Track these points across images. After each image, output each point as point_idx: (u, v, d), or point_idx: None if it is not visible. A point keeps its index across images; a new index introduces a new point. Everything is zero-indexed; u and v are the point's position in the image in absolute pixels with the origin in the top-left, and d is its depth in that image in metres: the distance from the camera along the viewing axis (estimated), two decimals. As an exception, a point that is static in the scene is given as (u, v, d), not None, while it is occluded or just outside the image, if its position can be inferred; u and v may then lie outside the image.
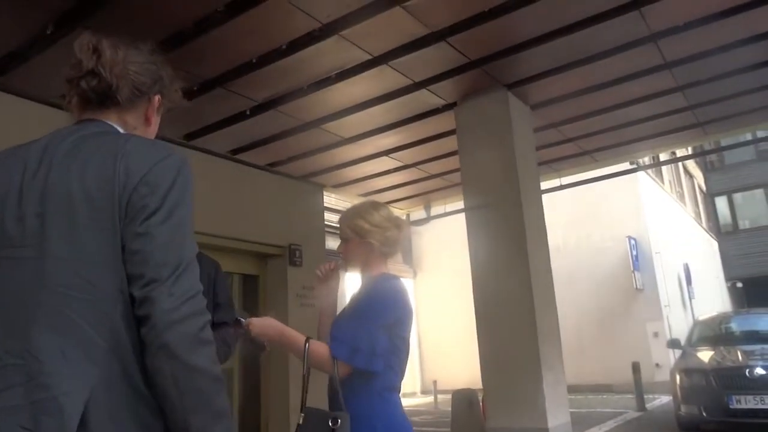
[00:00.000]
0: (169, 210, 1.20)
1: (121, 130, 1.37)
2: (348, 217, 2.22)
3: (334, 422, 1.85)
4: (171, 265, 1.16)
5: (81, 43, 1.35)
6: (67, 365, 1.12)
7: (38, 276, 1.17)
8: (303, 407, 1.95)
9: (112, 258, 1.18)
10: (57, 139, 1.31)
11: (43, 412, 1.08)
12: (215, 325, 2.60)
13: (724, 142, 12.97)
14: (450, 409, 6.87)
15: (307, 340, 1.95)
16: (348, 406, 1.90)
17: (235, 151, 6.22)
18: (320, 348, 1.95)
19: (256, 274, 6.81)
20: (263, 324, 2.03)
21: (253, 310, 6.75)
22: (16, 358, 1.13)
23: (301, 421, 1.93)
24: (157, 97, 1.45)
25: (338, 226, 2.26)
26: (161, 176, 1.22)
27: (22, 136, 1.42)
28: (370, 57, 4.51)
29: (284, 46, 4.24)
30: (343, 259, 2.23)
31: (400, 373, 2.05)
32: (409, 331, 2.11)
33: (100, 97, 1.35)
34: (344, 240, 2.21)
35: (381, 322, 1.99)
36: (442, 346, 15.19)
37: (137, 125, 1.42)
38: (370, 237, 2.14)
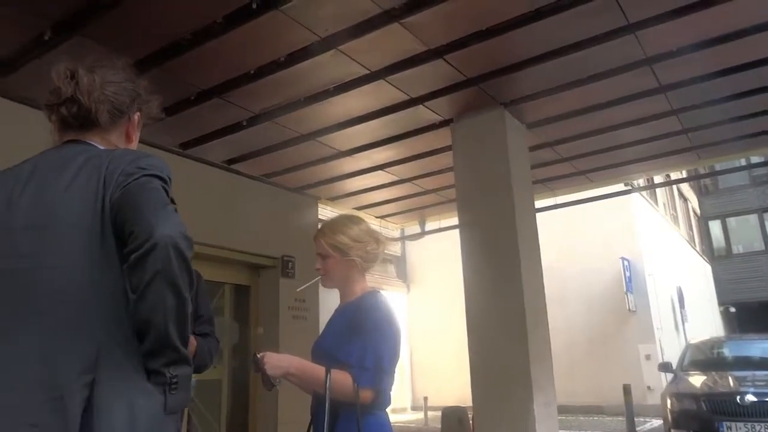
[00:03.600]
0: (140, 177, 1.29)
1: (103, 148, 1.42)
2: (326, 232, 2.14)
3: None
4: (157, 209, 1.23)
5: (58, 70, 1.40)
6: (65, 365, 1.17)
7: (32, 285, 1.23)
8: None
9: (99, 259, 1.25)
10: (45, 160, 1.38)
11: (48, 411, 1.13)
12: (197, 336, 2.61)
13: (718, 167, 13.04)
14: (440, 426, 6.83)
15: (327, 370, 1.89)
16: (340, 425, 1.88)
17: (231, 161, 6.22)
18: (343, 378, 1.88)
19: (248, 285, 6.78)
20: (277, 358, 1.95)
21: (244, 320, 6.71)
22: (18, 363, 1.18)
23: None
24: (136, 115, 1.51)
25: (314, 242, 2.16)
26: (137, 166, 1.30)
27: (23, 140, 1.46)
28: (367, 72, 4.54)
29: (282, 59, 4.26)
30: (323, 275, 2.15)
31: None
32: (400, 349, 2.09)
33: (81, 121, 1.41)
34: (323, 256, 2.13)
35: (390, 339, 1.97)
36: (433, 362, 15.11)
37: (119, 143, 1.48)
38: (351, 253, 2.08)
